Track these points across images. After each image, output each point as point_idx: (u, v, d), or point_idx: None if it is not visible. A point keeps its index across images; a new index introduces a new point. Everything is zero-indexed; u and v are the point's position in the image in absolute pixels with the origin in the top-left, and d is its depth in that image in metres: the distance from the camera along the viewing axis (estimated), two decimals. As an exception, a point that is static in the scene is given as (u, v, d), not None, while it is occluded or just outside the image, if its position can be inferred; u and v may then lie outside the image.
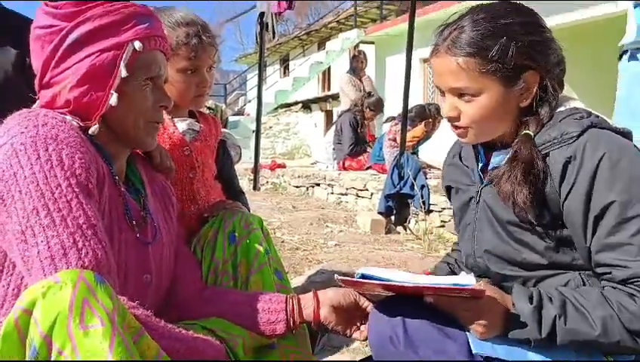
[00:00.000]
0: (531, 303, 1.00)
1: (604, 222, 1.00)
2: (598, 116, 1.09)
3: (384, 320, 1.08)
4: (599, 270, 1.02)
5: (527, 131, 1.09)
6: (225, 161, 1.83)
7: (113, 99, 1.04)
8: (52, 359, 0.75)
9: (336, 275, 1.11)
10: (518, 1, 1.16)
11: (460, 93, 1.11)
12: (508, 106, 1.10)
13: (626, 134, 1.08)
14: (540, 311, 1.00)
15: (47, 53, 1.03)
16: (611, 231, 0.99)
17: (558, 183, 1.05)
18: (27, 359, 0.76)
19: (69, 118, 1.01)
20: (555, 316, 0.98)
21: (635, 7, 1.93)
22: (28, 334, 0.76)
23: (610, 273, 1.00)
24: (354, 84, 6.93)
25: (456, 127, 1.15)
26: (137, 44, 1.05)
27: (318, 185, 6.10)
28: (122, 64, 1.04)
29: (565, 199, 1.04)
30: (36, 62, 1.06)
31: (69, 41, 1.02)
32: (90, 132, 1.04)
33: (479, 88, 1.08)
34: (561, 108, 1.12)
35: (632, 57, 1.96)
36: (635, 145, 1.06)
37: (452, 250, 1.47)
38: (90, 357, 0.74)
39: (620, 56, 2.03)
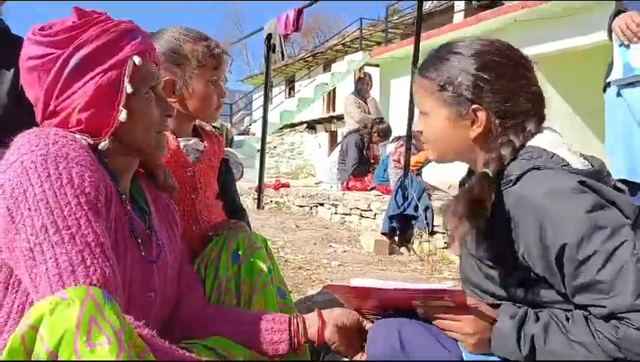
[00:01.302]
0: (512, 319, 1.01)
1: (566, 266, 0.97)
2: (553, 155, 1.05)
3: (381, 333, 1.11)
4: (580, 309, 1.00)
5: (486, 170, 1.05)
6: (226, 178, 1.83)
7: (122, 116, 1.05)
8: (58, 376, 0.75)
9: (327, 284, 1.15)
10: (500, 40, 1.16)
11: (420, 111, 1.19)
12: (456, 133, 1.12)
13: (596, 173, 1.05)
14: (520, 328, 1.00)
15: (48, 83, 1.03)
16: (575, 273, 0.96)
17: (506, 226, 1.04)
18: (33, 375, 0.76)
19: (78, 136, 1.02)
20: (533, 335, 0.98)
21: (619, 46, 2.13)
22: (34, 350, 0.76)
23: (590, 312, 0.97)
24: (358, 106, 6.96)
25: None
26: (137, 59, 1.07)
27: (321, 204, 6.09)
28: (126, 80, 1.06)
29: (519, 243, 1.03)
30: (34, 94, 1.06)
31: (70, 66, 1.03)
32: (100, 147, 1.05)
33: (428, 109, 1.15)
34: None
35: (619, 91, 2.22)
36: (584, 183, 1.00)
37: None
38: (95, 374, 0.74)
39: (605, 88, 2.32)
